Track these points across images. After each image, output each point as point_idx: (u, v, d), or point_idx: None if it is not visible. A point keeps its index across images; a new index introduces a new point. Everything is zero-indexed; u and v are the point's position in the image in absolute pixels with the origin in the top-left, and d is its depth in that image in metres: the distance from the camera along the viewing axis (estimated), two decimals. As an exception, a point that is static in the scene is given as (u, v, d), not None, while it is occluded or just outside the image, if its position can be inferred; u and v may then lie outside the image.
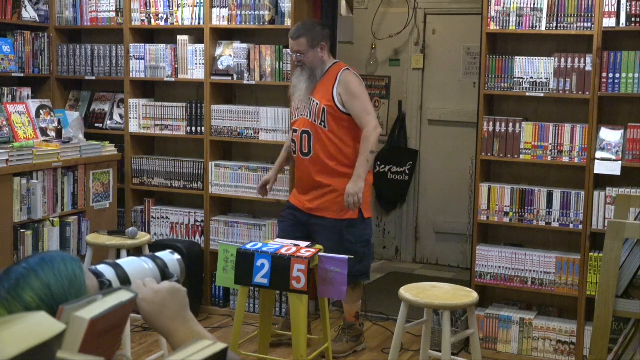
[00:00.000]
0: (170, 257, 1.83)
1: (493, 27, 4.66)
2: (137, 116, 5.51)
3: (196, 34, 5.32)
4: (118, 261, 1.76)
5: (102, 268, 1.71)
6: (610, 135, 4.46)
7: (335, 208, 4.45)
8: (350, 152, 4.45)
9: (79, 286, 1.49)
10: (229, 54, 5.24)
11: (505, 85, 4.68)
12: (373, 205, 7.19)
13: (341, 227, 4.45)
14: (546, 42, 4.70)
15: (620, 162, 4.40)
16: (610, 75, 4.42)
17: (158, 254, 1.84)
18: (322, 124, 4.45)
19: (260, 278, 3.78)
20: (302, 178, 4.58)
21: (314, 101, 4.48)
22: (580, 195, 4.55)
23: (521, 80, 4.64)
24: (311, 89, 4.49)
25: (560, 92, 4.56)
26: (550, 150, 4.61)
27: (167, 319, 1.63)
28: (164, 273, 1.78)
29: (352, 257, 4.00)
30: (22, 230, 4.61)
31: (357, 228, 4.48)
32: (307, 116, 4.50)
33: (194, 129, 5.35)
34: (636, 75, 4.37)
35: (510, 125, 4.69)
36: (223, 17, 5.19)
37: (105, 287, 1.66)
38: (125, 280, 1.71)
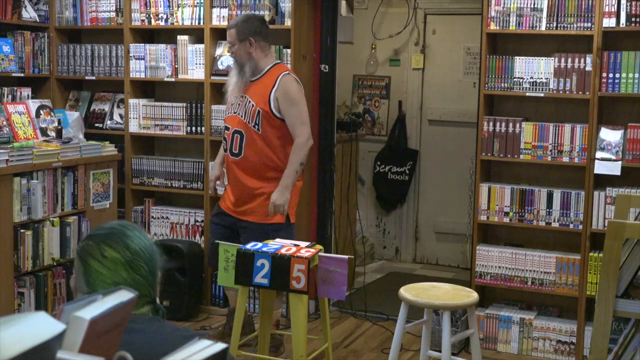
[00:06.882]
0: None
1: (493, 27, 4.66)
2: (137, 116, 5.51)
3: (196, 34, 5.32)
4: None
5: None
6: (610, 135, 4.46)
7: (262, 212, 4.34)
8: (282, 158, 4.32)
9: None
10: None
11: (505, 85, 4.68)
12: (373, 205, 7.21)
13: (267, 230, 4.30)
14: (546, 42, 4.70)
15: (620, 162, 4.40)
16: (610, 75, 4.42)
17: None
18: (256, 126, 4.29)
19: (260, 278, 3.78)
20: (230, 179, 4.48)
21: (249, 102, 4.33)
22: (580, 195, 4.55)
23: (521, 80, 4.64)
24: (241, 85, 4.36)
25: (560, 92, 4.56)
26: (550, 150, 4.61)
27: None
28: None
29: (352, 256, 4.00)
30: (22, 230, 4.60)
31: (283, 232, 4.30)
32: (241, 116, 4.34)
33: (194, 129, 5.35)
34: (636, 75, 4.37)
35: (510, 125, 4.69)
36: (223, 17, 5.19)
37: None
38: None
